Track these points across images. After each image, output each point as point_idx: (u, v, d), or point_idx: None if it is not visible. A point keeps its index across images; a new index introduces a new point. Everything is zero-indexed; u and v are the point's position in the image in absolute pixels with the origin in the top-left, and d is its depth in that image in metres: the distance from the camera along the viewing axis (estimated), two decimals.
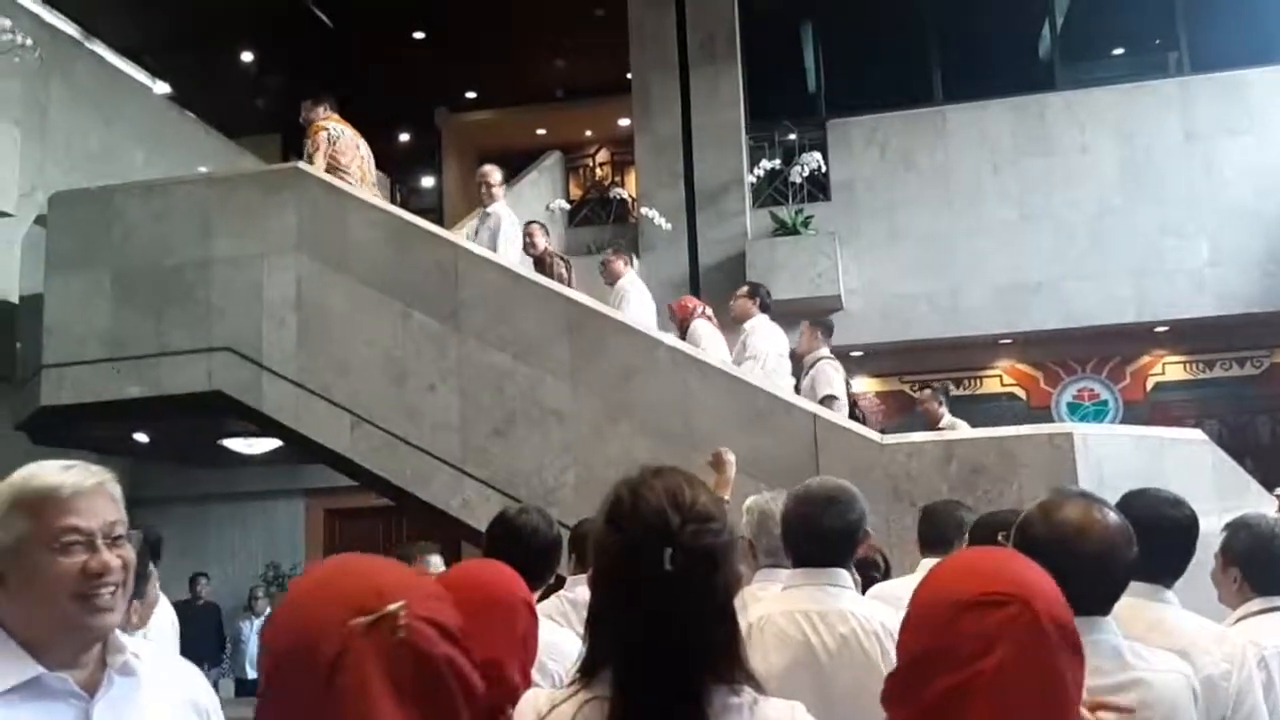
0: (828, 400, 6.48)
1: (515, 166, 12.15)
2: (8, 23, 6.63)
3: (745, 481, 5.29)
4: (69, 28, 10.78)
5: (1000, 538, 3.16)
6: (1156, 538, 2.44)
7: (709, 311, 7.30)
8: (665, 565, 1.35)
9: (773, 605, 2.71)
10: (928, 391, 7.98)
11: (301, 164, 6.51)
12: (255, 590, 10.74)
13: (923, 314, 9.94)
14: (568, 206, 11.26)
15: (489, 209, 7.21)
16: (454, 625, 1.16)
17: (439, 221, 9.04)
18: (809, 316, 9.85)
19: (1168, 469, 4.98)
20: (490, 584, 1.86)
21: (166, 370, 6.25)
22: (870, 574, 3.78)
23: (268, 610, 10.19)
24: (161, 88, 12.08)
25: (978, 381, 10.45)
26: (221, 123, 11.24)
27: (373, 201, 6.36)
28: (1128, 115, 9.89)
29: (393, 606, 1.11)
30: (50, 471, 1.54)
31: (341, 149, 6.69)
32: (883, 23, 10.80)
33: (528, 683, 1.79)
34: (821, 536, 2.72)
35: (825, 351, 6.97)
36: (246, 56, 13.02)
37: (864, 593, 2.96)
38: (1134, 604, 2.29)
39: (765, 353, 6.79)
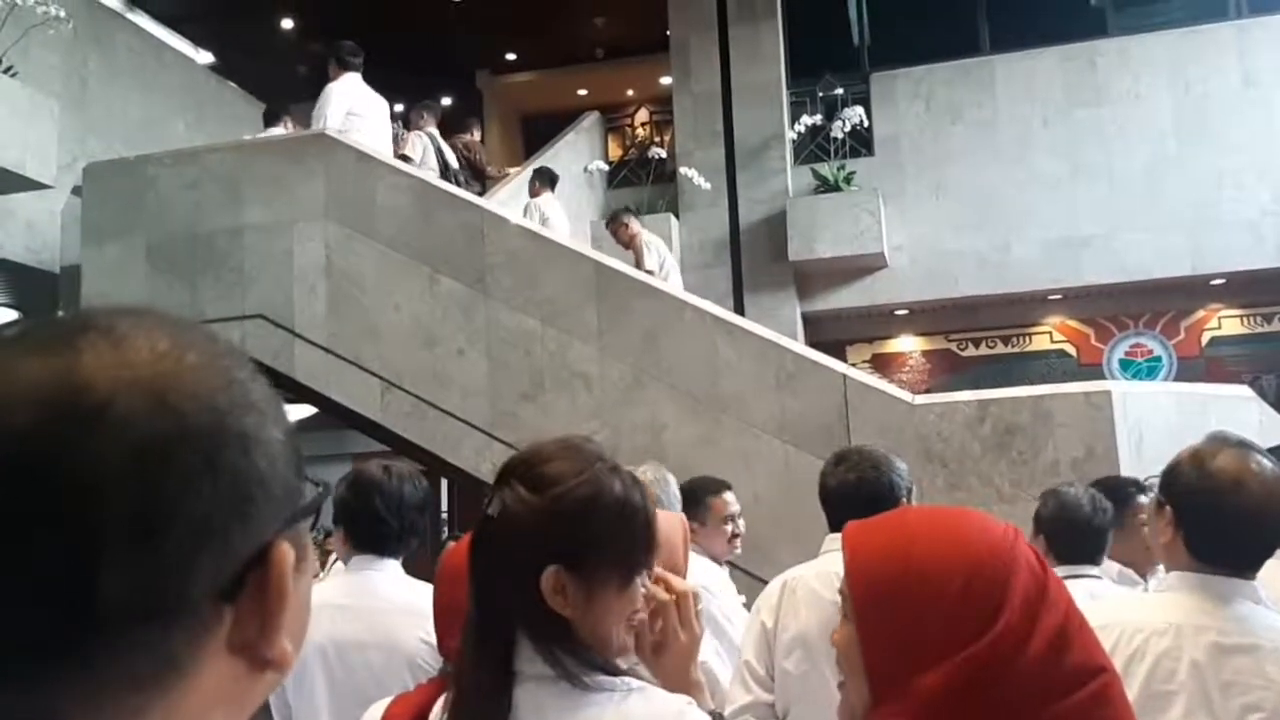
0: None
1: (558, 128, 12.05)
2: None
3: (775, 445, 5.24)
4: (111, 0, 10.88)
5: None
6: None
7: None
8: (486, 508, 1.27)
9: (808, 567, 2.75)
10: (617, 220, 7.97)
11: (328, 130, 6.49)
12: None
13: (970, 270, 9.72)
14: (606, 168, 11.10)
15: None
16: None
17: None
18: (852, 274, 9.83)
19: (1210, 427, 4.79)
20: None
21: None
22: None
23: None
24: (204, 57, 12.14)
25: (1026, 339, 10.21)
26: (264, 91, 11.27)
27: (399, 166, 6.32)
28: (1183, 61, 9.54)
29: None
30: None
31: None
32: None
33: None
34: (859, 503, 2.69)
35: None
36: (286, 24, 13.02)
37: None
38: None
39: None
